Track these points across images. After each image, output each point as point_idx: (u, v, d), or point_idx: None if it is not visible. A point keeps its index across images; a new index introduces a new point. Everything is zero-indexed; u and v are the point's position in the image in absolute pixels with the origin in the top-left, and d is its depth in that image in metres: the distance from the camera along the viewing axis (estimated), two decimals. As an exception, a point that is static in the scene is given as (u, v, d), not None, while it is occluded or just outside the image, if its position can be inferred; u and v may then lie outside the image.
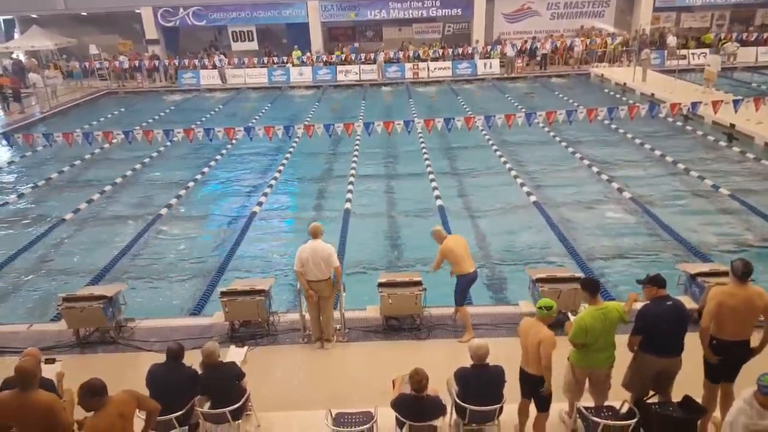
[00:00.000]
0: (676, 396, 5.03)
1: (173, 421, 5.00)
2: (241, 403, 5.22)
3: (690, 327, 5.04)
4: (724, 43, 26.94)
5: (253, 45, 30.36)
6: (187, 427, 5.16)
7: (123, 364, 6.84)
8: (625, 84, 23.31)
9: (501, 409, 5.01)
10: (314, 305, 6.82)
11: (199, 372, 5.29)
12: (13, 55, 29.92)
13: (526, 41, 28.93)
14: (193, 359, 5.40)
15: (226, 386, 5.24)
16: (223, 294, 7.16)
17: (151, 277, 9.71)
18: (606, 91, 23.64)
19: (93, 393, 4.03)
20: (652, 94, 20.76)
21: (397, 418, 4.91)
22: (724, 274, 6.99)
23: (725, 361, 5.01)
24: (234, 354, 6.02)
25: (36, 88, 23.71)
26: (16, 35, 30.78)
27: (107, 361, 6.95)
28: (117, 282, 8.93)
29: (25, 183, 14.90)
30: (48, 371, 5.36)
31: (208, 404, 5.28)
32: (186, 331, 7.36)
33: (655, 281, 4.95)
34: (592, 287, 5.05)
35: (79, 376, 5.85)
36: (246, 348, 6.23)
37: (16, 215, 12.78)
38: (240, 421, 5.30)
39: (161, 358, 5.32)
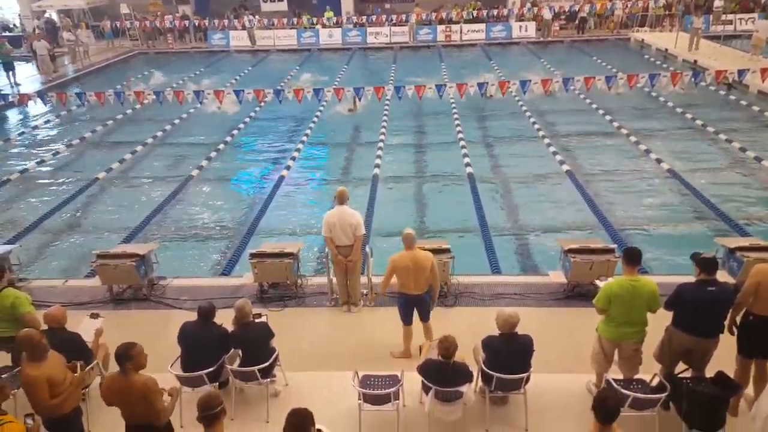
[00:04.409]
0: (709, 372, 4.93)
1: (204, 377, 5.11)
2: (270, 361, 5.30)
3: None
4: None
5: (283, 5, 29.92)
6: (217, 384, 5.29)
7: (155, 321, 7.00)
8: (666, 50, 22.32)
9: (528, 378, 4.99)
10: (342, 270, 6.83)
11: (231, 329, 5.37)
12: (46, 15, 30.11)
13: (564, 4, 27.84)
14: (223, 318, 5.49)
15: (259, 343, 5.33)
16: (253, 256, 7.22)
17: (182, 237, 9.87)
18: (647, 57, 22.70)
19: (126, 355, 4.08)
20: (695, 61, 19.86)
21: (423, 383, 4.93)
22: (764, 249, 6.83)
23: (760, 337, 4.90)
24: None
25: (68, 44, 23.74)
26: (49, -6, 30.91)
27: (140, 318, 7.14)
28: (149, 241, 9.10)
29: (60, 141, 15.16)
30: (89, 326, 5.54)
31: (237, 362, 5.38)
32: (216, 290, 7.48)
33: (698, 262, 4.86)
34: (631, 257, 4.94)
35: (113, 331, 6.03)
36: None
37: (52, 173, 13.06)
38: (269, 379, 5.40)
39: (192, 316, 5.42)
